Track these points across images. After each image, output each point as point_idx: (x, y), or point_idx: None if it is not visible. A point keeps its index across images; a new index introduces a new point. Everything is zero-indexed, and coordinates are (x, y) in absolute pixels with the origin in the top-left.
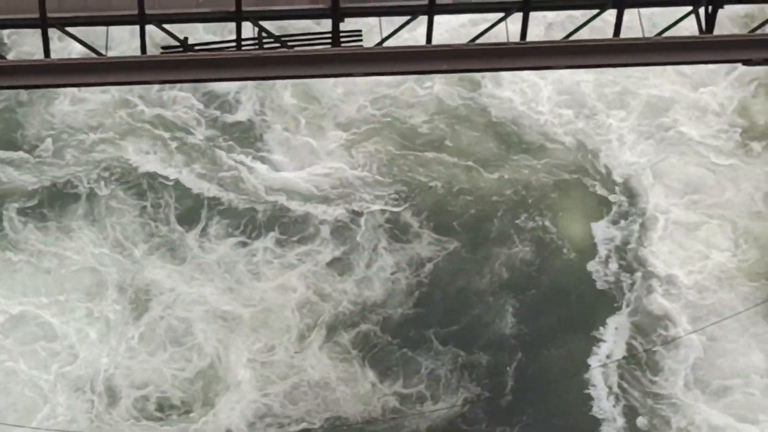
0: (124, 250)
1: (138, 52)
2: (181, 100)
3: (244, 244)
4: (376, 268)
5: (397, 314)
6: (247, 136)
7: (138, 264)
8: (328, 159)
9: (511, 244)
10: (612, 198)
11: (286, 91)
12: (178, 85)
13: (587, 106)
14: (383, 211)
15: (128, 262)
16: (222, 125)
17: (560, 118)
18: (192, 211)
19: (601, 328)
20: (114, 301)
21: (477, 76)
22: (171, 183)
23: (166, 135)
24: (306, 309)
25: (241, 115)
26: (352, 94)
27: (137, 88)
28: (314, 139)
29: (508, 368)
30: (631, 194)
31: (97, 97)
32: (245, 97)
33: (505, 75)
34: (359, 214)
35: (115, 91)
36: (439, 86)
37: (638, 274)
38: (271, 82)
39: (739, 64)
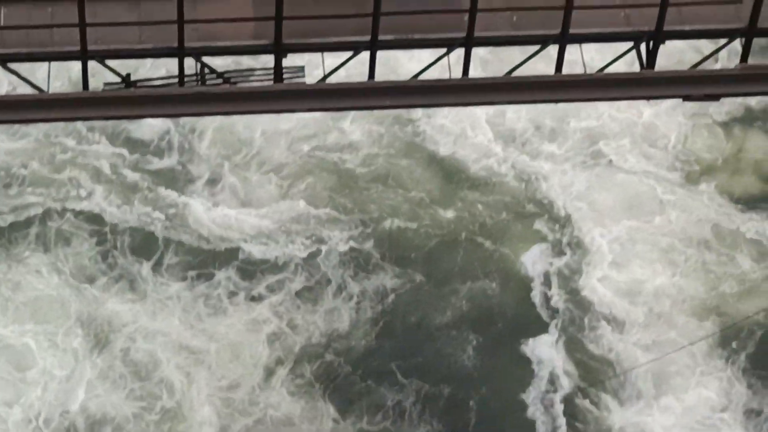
0: (81, 279)
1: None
2: (104, 145)
3: (204, 280)
4: (340, 300)
5: (360, 346)
6: (178, 180)
7: (97, 295)
8: (269, 200)
9: (472, 276)
10: (558, 231)
11: (206, 136)
12: (97, 131)
13: (523, 137)
14: (344, 245)
15: (86, 293)
16: (150, 169)
17: (497, 150)
18: (145, 246)
19: (553, 362)
20: (75, 333)
21: (410, 112)
22: (118, 219)
23: (98, 175)
24: (271, 341)
25: (167, 161)
26: (274, 142)
27: (57, 132)
28: (247, 182)
29: (471, 402)
30: (577, 226)
31: (15, 143)
32: (165, 143)
33: (438, 109)
34: (318, 249)
35: (34, 133)
36: (369, 126)
37: (585, 307)
38: (192, 128)
39: (680, 100)
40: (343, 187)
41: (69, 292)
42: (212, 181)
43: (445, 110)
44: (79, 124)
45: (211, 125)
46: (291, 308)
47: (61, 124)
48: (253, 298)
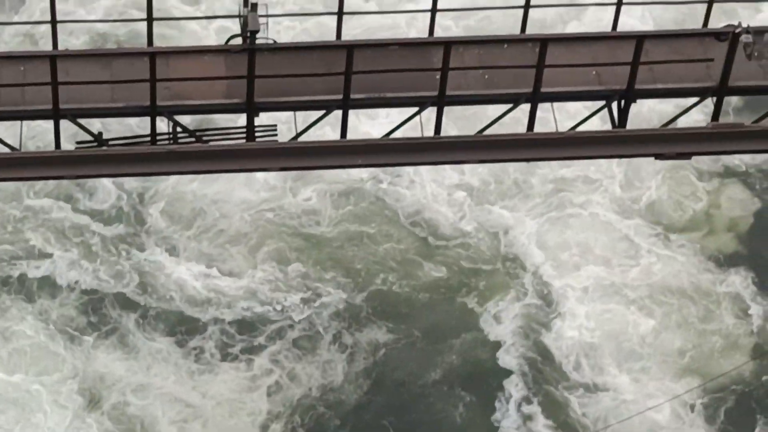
0: (68, 332)
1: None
2: (58, 210)
3: (193, 336)
4: (333, 354)
5: (352, 400)
6: (144, 246)
7: (88, 350)
8: (240, 265)
9: (459, 331)
10: (536, 285)
11: (157, 207)
12: (44, 196)
13: (493, 189)
14: (335, 303)
15: (76, 346)
16: (114, 235)
17: (467, 204)
18: (127, 305)
19: (537, 419)
20: (68, 386)
21: (372, 171)
22: (93, 279)
23: (62, 239)
24: (262, 397)
25: (120, 229)
26: (226, 214)
27: (4, 196)
28: (213, 250)
29: None
30: (553, 280)
31: None
32: (115, 213)
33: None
34: (309, 307)
35: None
36: (329, 189)
37: (565, 361)
38: (140, 195)
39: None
40: (317, 248)
41: (61, 341)
42: (175, 248)
43: (409, 167)
44: (23, 190)
45: (164, 194)
46: (281, 364)
47: (7, 188)
48: (243, 354)
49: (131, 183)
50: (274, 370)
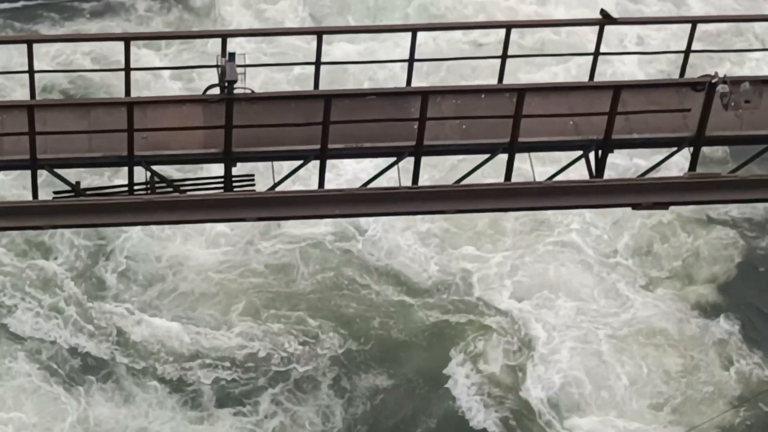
0: (61, 379)
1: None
2: (12, 264)
3: (186, 386)
4: (327, 401)
5: None
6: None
7: (87, 395)
8: (221, 321)
9: (450, 377)
10: (515, 330)
11: (112, 267)
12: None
13: (468, 231)
14: (326, 350)
15: (72, 393)
16: (77, 291)
17: (439, 250)
18: (116, 358)
19: None
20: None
21: (338, 226)
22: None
23: (26, 293)
24: None
25: (86, 287)
26: (184, 278)
27: None
28: (175, 314)
29: None
30: (534, 327)
31: None
32: (70, 276)
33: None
34: (298, 355)
35: None
36: (289, 246)
37: (549, 408)
38: (92, 261)
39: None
40: (294, 302)
41: (54, 390)
42: (148, 305)
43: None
44: None
45: (124, 252)
46: (278, 410)
47: None
48: (241, 399)
49: (87, 241)
50: (272, 416)
